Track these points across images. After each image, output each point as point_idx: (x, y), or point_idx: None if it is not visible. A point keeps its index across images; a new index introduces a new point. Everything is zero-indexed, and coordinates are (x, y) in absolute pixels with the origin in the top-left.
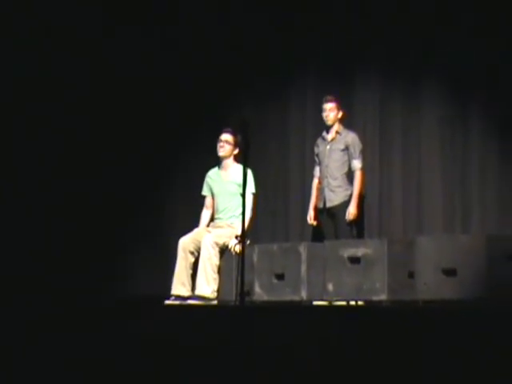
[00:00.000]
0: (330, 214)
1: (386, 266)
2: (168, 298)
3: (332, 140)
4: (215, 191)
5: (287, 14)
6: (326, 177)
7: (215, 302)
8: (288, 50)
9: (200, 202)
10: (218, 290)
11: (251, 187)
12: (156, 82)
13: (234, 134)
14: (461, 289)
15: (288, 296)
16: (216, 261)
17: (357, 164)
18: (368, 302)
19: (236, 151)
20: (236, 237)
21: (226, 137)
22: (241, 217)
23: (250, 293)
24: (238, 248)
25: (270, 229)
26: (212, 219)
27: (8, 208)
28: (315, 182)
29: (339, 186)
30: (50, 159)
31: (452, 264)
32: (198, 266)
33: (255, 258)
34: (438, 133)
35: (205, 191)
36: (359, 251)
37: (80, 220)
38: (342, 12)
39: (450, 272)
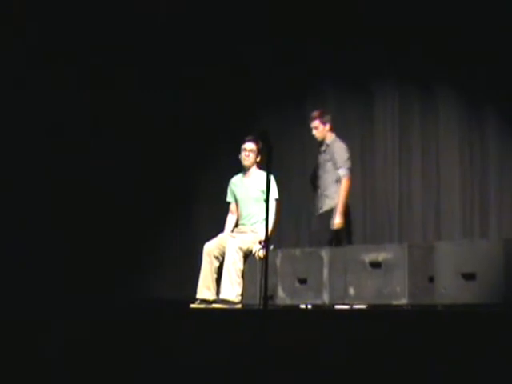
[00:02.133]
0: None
1: (406, 271)
2: (193, 302)
3: (323, 152)
4: (238, 197)
5: (309, 30)
6: (319, 186)
7: (239, 306)
8: (310, 61)
9: (226, 207)
10: (242, 294)
11: (274, 193)
12: (183, 93)
13: (256, 141)
14: (480, 293)
15: (310, 300)
16: (240, 265)
17: (341, 172)
18: (388, 306)
19: (258, 158)
20: (260, 242)
21: (251, 146)
22: (264, 222)
23: (273, 297)
24: (261, 253)
25: (293, 234)
26: (236, 225)
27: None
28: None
29: (328, 195)
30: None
31: (471, 269)
32: (223, 271)
33: (278, 263)
34: (457, 138)
35: (229, 197)
36: (380, 256)
37: (107, 224)
38: (360, 26)
39: (469, 276)
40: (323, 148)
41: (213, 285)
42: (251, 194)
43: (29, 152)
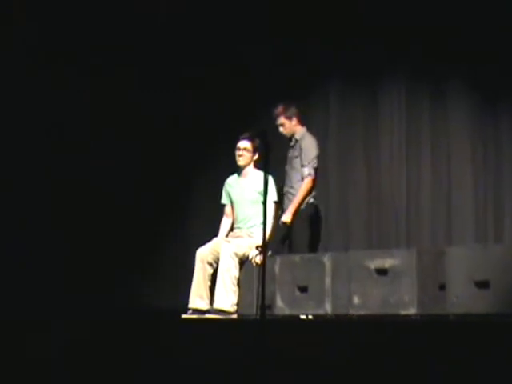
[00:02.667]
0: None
1: (414, 278)
2: (185, 312)
3: (292, 147)
4: (234, 199)
5: (309, 30)
6: (286, 184)
7: (235, 316)
8: (310, 61)
9: (221, 211)
10: (238, 304)
11: (273, 195)
12: (183, 93)
13: (251, 140)
14: (494, 302)
15: (311, 309)
16: (235, 272)
17: (305, 171)
18: (396, 316)
19: (255, 157)
20: (257, 247)
21: (245, 144)
22: (262, 226)
23: (271, 306)
24: (258, 259)
25: None
26: (232, 229)
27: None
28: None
29: (293, 193)
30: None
31: (485, 276)
32: (217, 278)
33: (277, 270)
34: (469, 139)
35: (224, 199)
36: (386, 262)
37: (107, 224)
38: (360, 26)
39: (482, 284)
40: (292, 143)
41: (206, 293)
42: (247, 196)
43: (29, 152)
